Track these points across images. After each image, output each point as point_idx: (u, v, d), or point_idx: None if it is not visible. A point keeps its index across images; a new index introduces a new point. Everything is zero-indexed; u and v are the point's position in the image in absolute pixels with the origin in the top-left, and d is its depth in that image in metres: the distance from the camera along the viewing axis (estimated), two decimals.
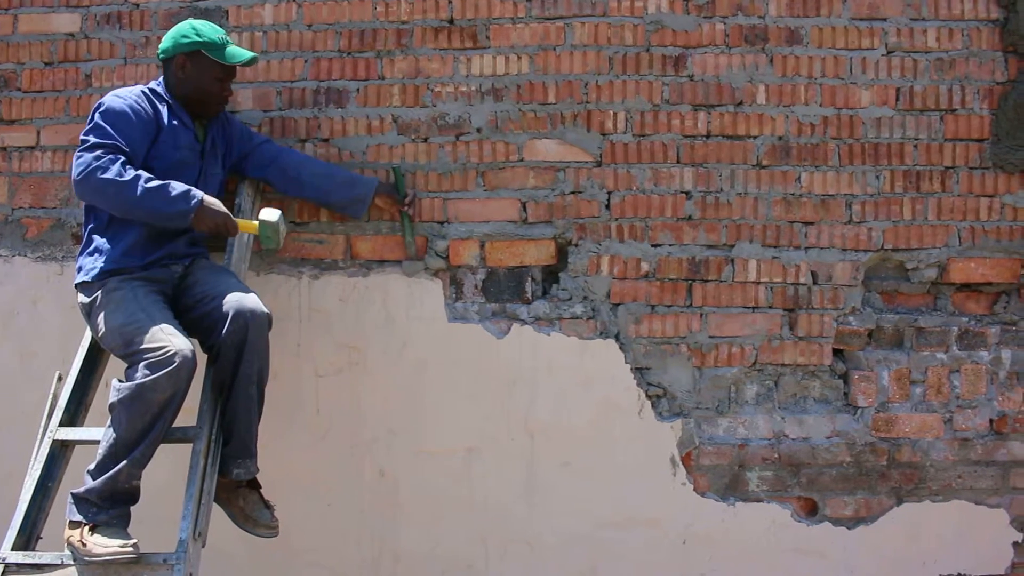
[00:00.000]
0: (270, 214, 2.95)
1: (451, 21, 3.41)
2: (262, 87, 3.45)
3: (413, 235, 3.36)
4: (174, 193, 2.81)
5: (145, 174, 2.81)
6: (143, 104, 2.96)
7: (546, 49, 3.38)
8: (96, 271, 2.91)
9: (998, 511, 3.37)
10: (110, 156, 2.80)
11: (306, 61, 3.45)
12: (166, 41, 3.06)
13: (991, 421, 3.37)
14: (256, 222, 2.96)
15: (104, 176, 2.76)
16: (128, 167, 2.80)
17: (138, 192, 2.77)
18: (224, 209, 2.90)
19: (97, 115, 2.90)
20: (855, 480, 3.35)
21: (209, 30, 3.05)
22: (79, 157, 2.81)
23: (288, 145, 3.38)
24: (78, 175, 2.79)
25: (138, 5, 3.52)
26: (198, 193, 2.85)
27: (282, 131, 3.42)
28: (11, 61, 3.56)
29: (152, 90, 3.05)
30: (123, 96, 2.96)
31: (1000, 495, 3.37)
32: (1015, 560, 3.36)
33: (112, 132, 2.85)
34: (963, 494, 3.36)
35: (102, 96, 2.98)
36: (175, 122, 3.01)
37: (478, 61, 3.40)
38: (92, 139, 2.84)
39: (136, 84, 3.24)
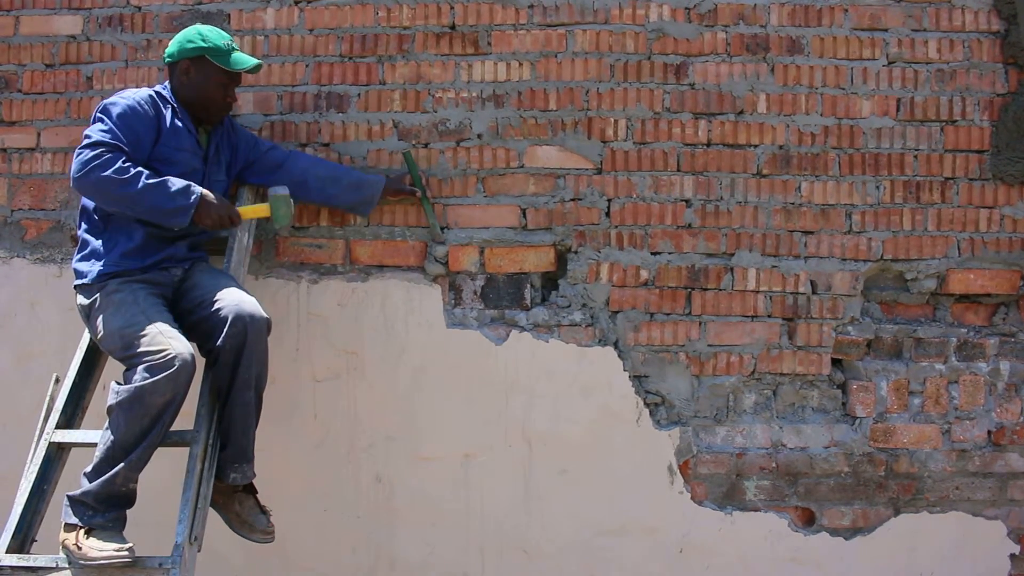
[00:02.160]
0: (279, 189, 3.03)
1: (453, 27, 3.42)
2: (263, 91, 3.45)
3: (435, 215, 3.35)
4: (174, 188, 2.82)
5: (146, 171, 2.81)
6: (146, 106, 2.94)
7: (547, 56, 3.39)
8: (95, 273, 2.90)
9: (995, 523, 3.36)
10: (111, 154, 2.79)
11: (307, 65, 3.45)
12: (172, 45, 3.04)
13: (989, 433, 3.37)
14: (264, 204, 3.03)
15: (104, 173, 2.76)
16: (128, 164, 2.80)
17: (139, 187, 2.77)
18: (225, 201, 2.95)
19: (99, 113, 2.90)
20: (853, 490, 3.35)
21: (215, 36, 3.03)
22: (79, 154, 2.80)
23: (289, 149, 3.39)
24: (78, 172, 2.78)
25: (140, 8, 3.53)
26: (197, 188, 2.87)
27: (283, 135, 3.42)
28: (12, 62, 3.56)
29: (158, 93, 3.03)
30: (126, 96, 2.95)
31: (998, 507, 3.36)
32: (1012, 572, 3.35)
33: (115, 130, 2.84)
34: (961, 505, 3.36)
35: (103, 98, 2.98)
36: (178, 125, 3.00)
37: (479, 67, 3.40)
38: (93, 136, 2.83)
39: (138, 87, 3.23)
